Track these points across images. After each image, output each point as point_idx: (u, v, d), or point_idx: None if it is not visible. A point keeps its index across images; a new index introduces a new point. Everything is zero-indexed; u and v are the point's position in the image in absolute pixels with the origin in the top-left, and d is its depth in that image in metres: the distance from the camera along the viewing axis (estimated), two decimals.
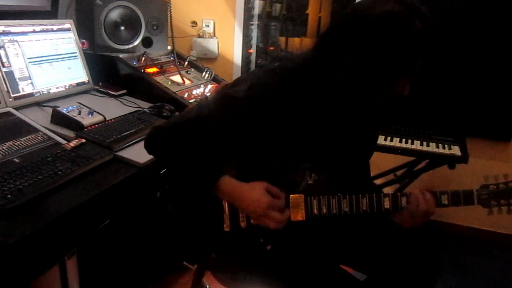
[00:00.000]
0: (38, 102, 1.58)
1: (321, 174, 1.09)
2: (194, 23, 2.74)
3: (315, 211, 1.08)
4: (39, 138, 1.35)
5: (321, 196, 1.07)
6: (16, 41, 1.54)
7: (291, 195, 1.08)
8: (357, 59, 0.93)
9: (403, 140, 2.11)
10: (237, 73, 2.84)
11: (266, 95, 1.03)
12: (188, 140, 1.06)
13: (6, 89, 1.47)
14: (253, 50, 3.06)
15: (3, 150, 1.23)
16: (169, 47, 2.27)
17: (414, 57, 0.94)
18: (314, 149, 1.09)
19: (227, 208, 1.12)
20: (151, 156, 1.20)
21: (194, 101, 1.92)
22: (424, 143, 2.09)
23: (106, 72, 1.93)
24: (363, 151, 1.21)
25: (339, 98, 1.04)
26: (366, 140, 1.20)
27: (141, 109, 1.75)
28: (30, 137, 1.34)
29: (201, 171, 1.06)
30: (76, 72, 1.78)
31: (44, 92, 1.62)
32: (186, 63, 2.26)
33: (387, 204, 1.06)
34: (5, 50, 1.50)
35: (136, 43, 2.03)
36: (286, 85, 1.04)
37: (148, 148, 1.13)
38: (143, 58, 2.02)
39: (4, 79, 1.47)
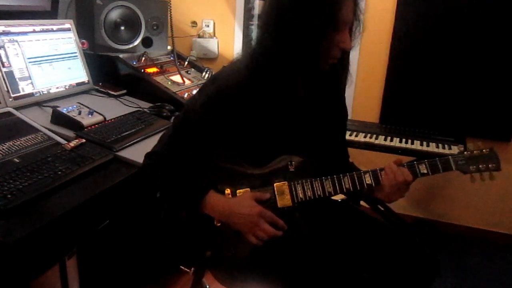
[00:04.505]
0: (38, 102, 1.58)
1: (300, 161, 1.12)
2: (194, 23, 2.74)
3: (300, 195, 1.11)
4: (39, 138, 1.35)
5: (303, 180, 1.10)
6: (16, 41, 1.54)
7: (275, 184, 1.11)
8: (284, 24, 0.97)
9: (403, 140, 2.11)
10: None
11: (233, 90, 1.06)
12: (170, 161, 1.11)
13: (6, 89, 1.47)
14: None
15: (3, 150, 1.23)
16: (169, 47, 2.27)
17: (337, 8, 0.96)
18: (288, 137, 1.12)
19: None
20: None
21: None
22: (424, 143, 2.09)
23: (106, 72, 1.94)
24: (333, 129, 1.24)
25: (288, 71, 1.04)
26: (333, 116, 1.23)
27: (141, 109, 1.75)
28: (30, 137, 1.34)
29: (185, 196, 1.10)
30: (76, 72, 1.78)
31: (44, 92, 1.62)
32: (186, 63, 2.26)
33: (368, 180, 1.10)
34: (5, 50, 1.50)
35: (136, 43, 2.03)
36: (253, 76, 1.06)
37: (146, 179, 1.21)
38: (143, 58, 2.03)
39: (4, 79, 1.47)
